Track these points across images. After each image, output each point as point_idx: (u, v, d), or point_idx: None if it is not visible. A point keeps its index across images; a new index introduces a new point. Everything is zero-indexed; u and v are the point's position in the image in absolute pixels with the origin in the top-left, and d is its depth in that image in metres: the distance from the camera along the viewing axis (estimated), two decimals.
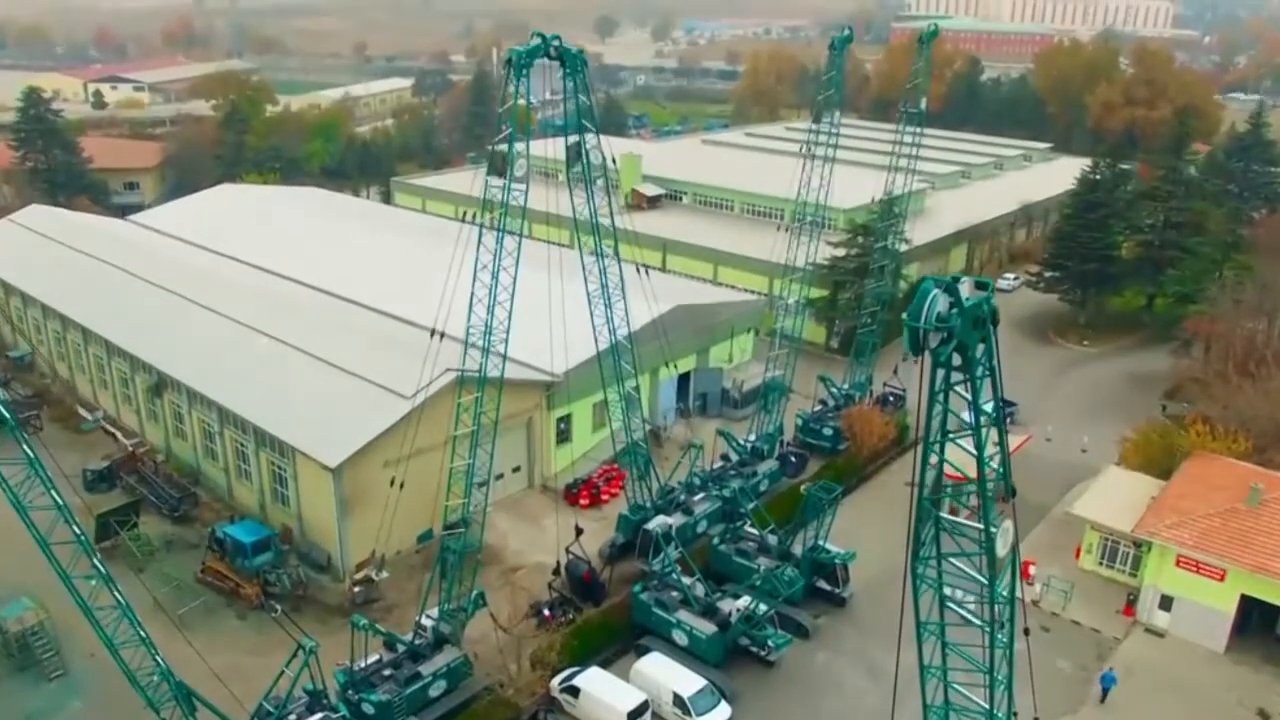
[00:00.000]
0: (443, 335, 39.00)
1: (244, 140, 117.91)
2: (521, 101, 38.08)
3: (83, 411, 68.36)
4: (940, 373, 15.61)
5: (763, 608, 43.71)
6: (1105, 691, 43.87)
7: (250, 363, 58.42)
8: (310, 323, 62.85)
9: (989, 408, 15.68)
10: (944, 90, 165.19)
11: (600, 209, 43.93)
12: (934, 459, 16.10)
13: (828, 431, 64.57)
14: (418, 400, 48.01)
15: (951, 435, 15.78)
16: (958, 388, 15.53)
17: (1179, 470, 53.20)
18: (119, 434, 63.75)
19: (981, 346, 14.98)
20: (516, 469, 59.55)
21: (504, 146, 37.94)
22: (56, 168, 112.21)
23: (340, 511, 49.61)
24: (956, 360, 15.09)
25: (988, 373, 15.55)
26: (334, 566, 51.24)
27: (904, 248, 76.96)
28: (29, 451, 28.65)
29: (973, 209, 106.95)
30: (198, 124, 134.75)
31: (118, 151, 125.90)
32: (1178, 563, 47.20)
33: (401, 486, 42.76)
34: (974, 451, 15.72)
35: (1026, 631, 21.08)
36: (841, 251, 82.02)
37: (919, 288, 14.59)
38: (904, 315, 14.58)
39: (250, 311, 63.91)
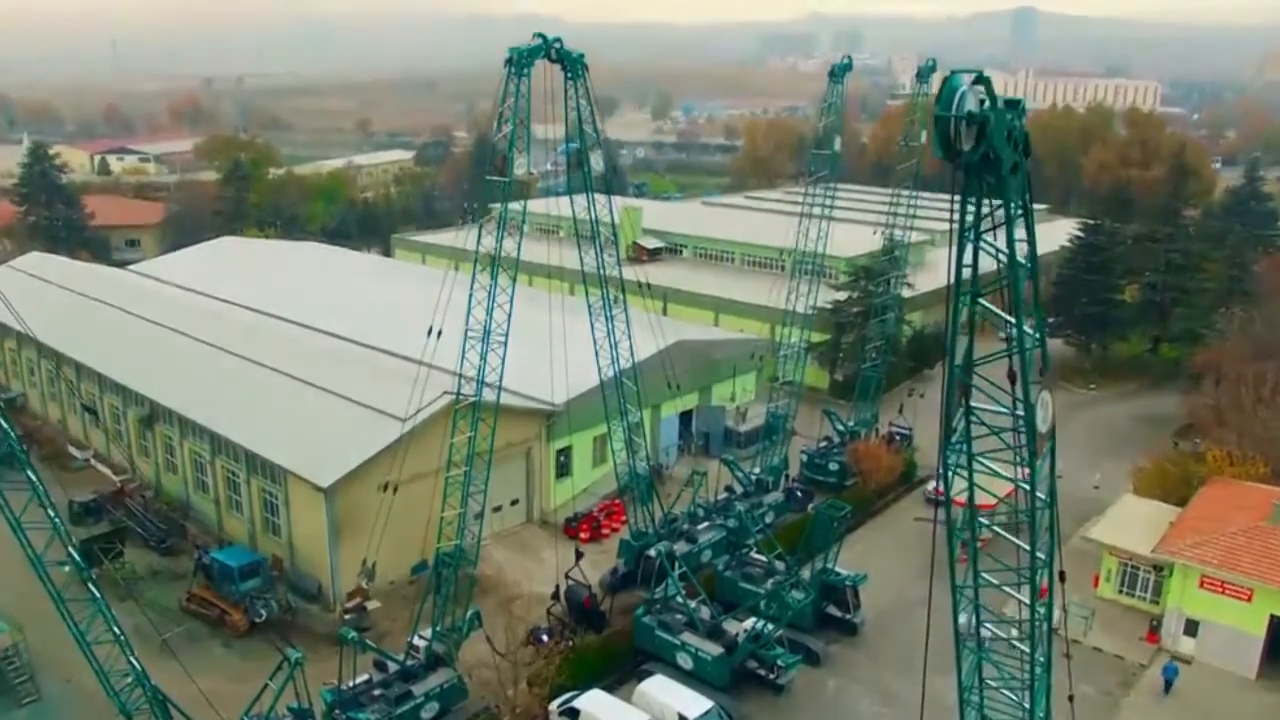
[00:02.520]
0: (440, 333, 38.00)
1: (245, 197, 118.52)
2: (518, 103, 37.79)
3: (73, 450, 66.95)
4: (970, 206, 14.43)
5: (770, 626, 41.82)
6: (1169, 683, 42.79)
7: (243, 391, 57.35)
8: (305, 355, 61.91)
9: (1023, 252, 14.56)
10: None
11: (600, 210, 43.30)
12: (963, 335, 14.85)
13: (833, 467, 63.16)
14: (413, 422, 46.85)
15: (982, 296, 14.56)
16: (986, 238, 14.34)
17: (1197, 495, 51.75)
18: (108, 469, 62.41)
19: (1014, 177, 13.86)
20: (515, 502, 57.97)
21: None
22: (58, 223, 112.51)
23: (332, 536, 47.98)
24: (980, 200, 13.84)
25: (1020, 210, 14.44)
26: (325, 596, 49.37)
27: (906, 293, 76.74)
28: (6, 425, 27.46)
29: None
30: (200, 186, 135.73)
31: (120, 209, 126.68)
32: (1202, 584, 45.41)
33: (395, 490, 41.25)
34: (1010, 318, 14.50)
35: (1063, 576, 19.67)
36: (844, 295, 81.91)
37: (946, 82, 13.60)
38: (934, 109, 13.59)
39: (245, 345, 63.04)
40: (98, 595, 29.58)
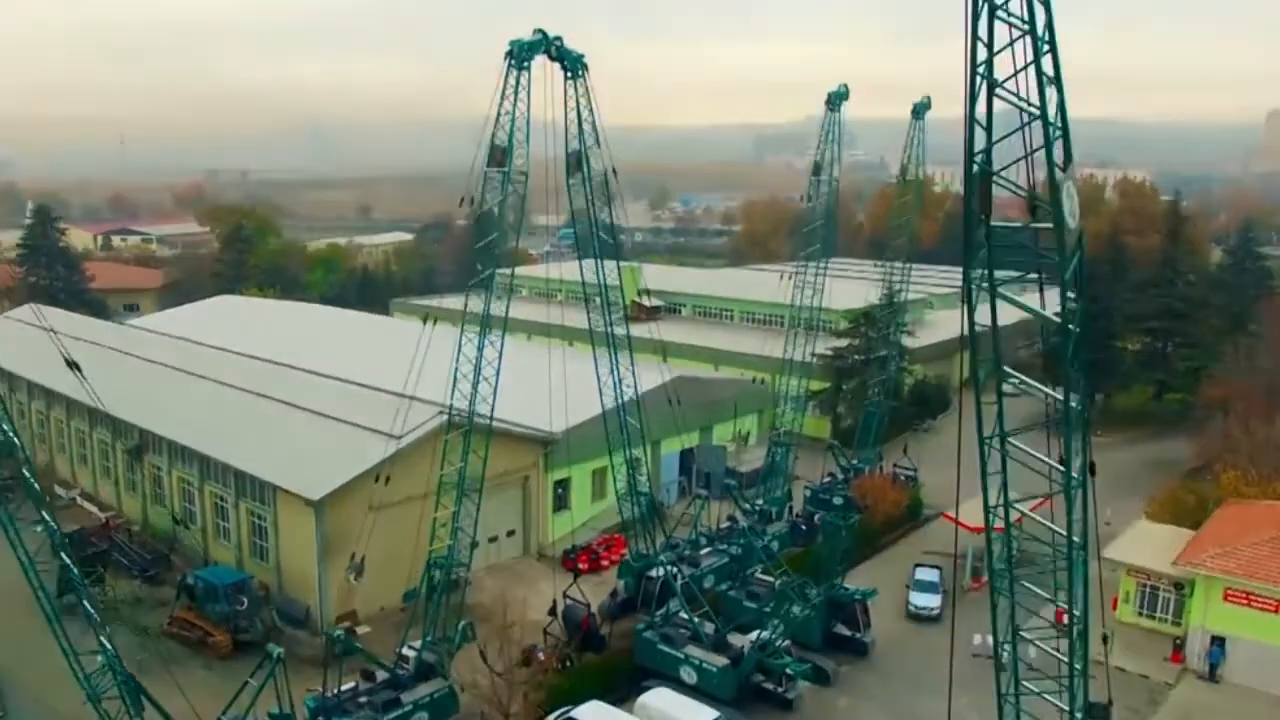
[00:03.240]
0: (436, 321, 37.23)
1: (245, 260, 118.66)
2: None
3: (59, 489, 65.43)
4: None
5: (779, 630, 40.04)
6: (1213, 668, 41.86)
7: (234, 416, 56.38)
8: (297, 388, 60.93)
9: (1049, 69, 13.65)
10: (937, 230, 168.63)
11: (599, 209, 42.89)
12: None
13: (837, 501, 61.45)
14: (408, 439, 45.97)
15: (1000, 85, 13.62)
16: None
17: (1213, 516, 50.24)
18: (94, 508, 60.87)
19: None
20: (511, 533, 56.27)
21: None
22: (58, 284, 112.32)
23: (321, 554, 46.36)
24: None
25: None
26: (312, 620, 47.38)
27: (907, 341, 76.44)
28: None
29: None
30: (201, 258, 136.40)
31: (119, 274, 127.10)
32: (1226, 597, 43.64)
33: (387, 481, 39.86)
34: (1031, 108, 13.52)
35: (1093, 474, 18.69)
36: (845, 342, 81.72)
37: None
38: None
39: (237, 379, 62.29)
40: (68, 561, 28.19)
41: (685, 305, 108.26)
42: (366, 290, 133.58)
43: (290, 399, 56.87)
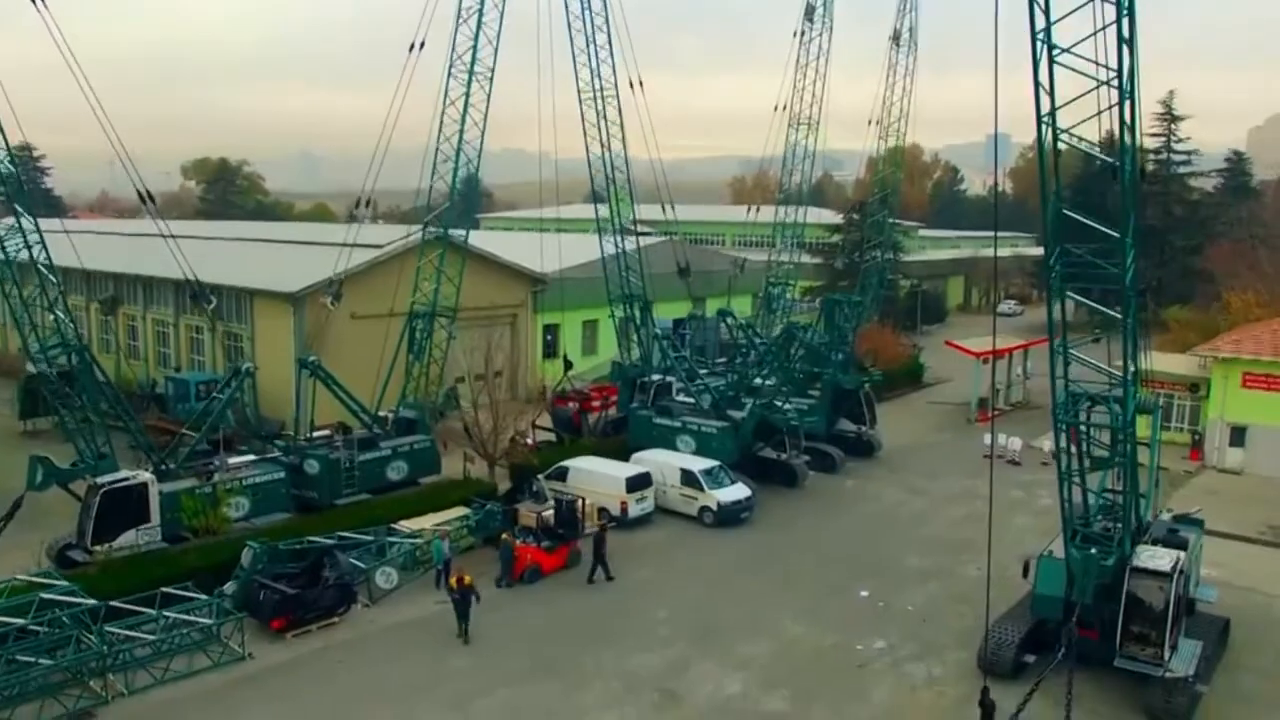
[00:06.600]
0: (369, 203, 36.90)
1: (231, 200, 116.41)
2: None
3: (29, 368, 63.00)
4: None
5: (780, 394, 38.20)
6: None
7: (211, 255, 54.28)
8: (276, 230, 59.27)
9: None
10: (925, 199, 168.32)
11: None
12: None
13: (838, 358, 59.55)
14: (388, 249, 44.89)
15: None
16: None
17: (1224, 335, 48.51)
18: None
19: None
20: (499, 374, 54.08)
21: None
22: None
23: (299, 353, 44.09)
24: None
25: None
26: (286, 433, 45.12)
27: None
28: None
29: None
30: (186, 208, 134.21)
31: (103, 221, 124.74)
32: (1244, 382, 41.81)
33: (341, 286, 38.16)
34: None
35: None
36: (836, 238, 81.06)
37: None
38: None
39: (214, 232, 60.50)
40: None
41: (676, 232, 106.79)
42: None
43: (269, 236, 54.96)
